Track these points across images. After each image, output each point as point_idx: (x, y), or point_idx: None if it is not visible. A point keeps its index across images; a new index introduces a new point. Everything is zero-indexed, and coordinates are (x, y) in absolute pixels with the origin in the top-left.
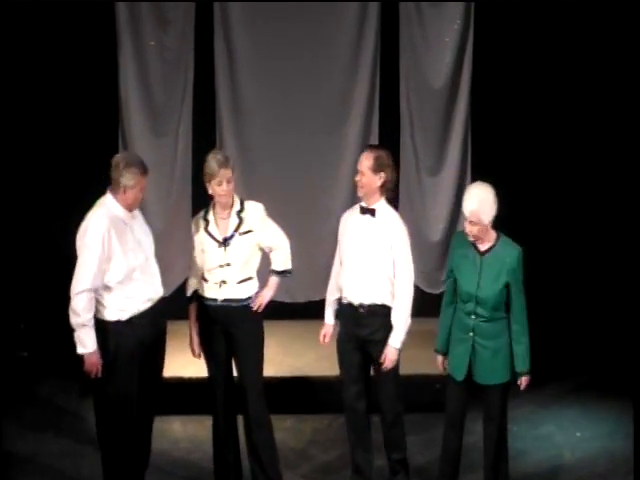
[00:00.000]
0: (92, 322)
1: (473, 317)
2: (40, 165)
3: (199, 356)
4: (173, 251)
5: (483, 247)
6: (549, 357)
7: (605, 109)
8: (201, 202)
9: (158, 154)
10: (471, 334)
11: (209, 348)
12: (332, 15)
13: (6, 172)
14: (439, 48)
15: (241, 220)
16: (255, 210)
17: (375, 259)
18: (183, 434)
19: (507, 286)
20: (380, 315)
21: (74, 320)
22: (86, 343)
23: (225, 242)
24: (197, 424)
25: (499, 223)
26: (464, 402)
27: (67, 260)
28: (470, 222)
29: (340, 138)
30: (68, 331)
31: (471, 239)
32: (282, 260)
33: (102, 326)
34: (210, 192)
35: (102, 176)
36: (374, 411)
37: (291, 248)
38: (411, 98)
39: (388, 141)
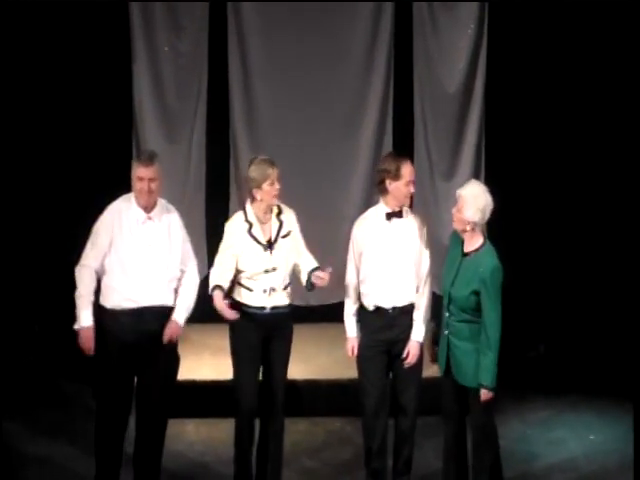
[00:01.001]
0: (90, 298)
1: (447, 314)
2: (55, 170)
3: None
4: None
5: (467, 249)
6: (565, 363)
7: (620, 114)
8: (214, 209)
9: (171, 161)
10: (446, 332)
11: (248, 355)
12: (346, 21)
13: (22, 177)
14: (453, 53)
15: (281, 223)
16: (291, 212)
17: (408, 261)
18: (196, 437)
19: (478, 294)
20: (409, 313)
21: (76, 292)
22: (80, 317)
23: (270, 245)
24: (211, 427)
25: (516, 226)
26: (455, 398)
27: None
28: (456, 208)
29: (354, 144)
30: None
31: (454, 227)
32: (312, 257)
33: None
34: (258, 197)
35: (115, 181)
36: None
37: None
38: (425, 103)
39: (402, 146)
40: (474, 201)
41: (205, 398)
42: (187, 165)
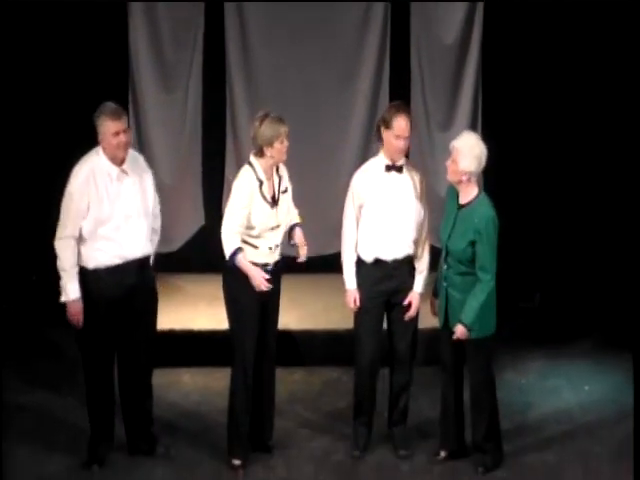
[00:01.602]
0: (75, 270)
1: (445, 267)
2: (50, 120)
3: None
4: (184, 205)
5: (462, 200)
6: (560, 313)
7: (610, 71)
8: (211, 157)
9: (168, 110)
10: (445, 284)
11: (248, 306)
12: None
13: (17, 126)
14: (450, 4)
15: (280, 178)
16: (284, 168)
17: (406, 212)
18: (193, 386)
19: (474, 245)
20: (409, 264)
21: (58, 265)
22: (67, 290)
23: (275, 202)
24: (207, 376)
25: (512, 175)
26: (453, 350)
27: None
28: (450, 159)
29: (351, 96)
30: None
31: (449, 179)
32: (297, 212)
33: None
34: (268, 154)
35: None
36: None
37: (301, 204)
38: (422, 54)
39: (399, 97)
40: (470, 151)
41: (201, 347)
42: (183, 115)
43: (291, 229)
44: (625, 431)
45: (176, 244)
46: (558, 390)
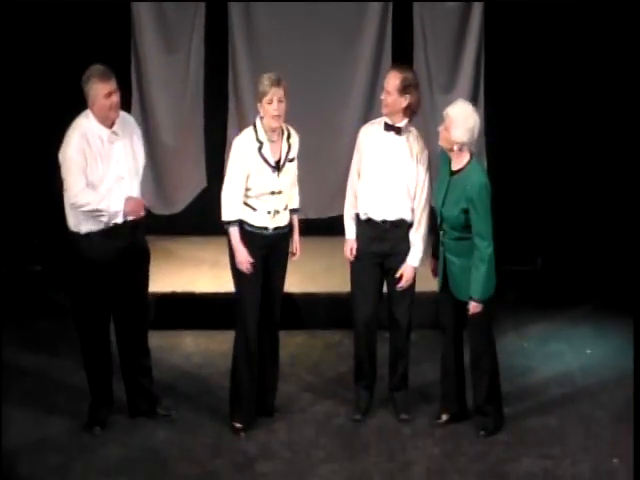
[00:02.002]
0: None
1: (441, 232)
2: (52, 82)
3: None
4: (186, 166)
5: (454, 167)
6: (562, 277)
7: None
8: (213, 118)
9: (170, 70)
10: (442, 248)
11: (251, 273)
12: None
13: (19, 87)
14: None
15: (290, 146)
16: (297, 138)
17: (399, 176)
18: (195, 349)
19: (467, 212)
20: (401, 228)
21: (97, 213)
22: (112, 214)
23: (278, 167)
24: (208, 339)
25: (514, 139)
26: (452, 313)
27: None
28: (443, 126)
29: (353, 56)
30: None
31: (440, 144)
32: (298, 199)
33: (67, 236)
34: (261, 113)
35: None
36: (380, 327)
37: (303, 166)
38: (424, 16)
39: (401, 59)
40: (464, 121)
41: (203, 310)
42: (185, 75)
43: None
44: (625, 394)
45: (178, 206)
46: (559, 354)
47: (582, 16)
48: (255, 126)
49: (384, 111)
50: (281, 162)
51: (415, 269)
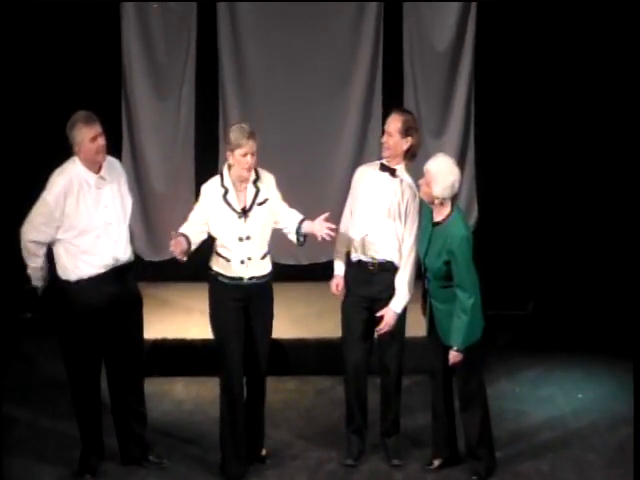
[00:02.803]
0: (40, 263)
1: (426, 280)
2: (43, 123)
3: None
4: (177, 213)
5: (436, 218)
6: (554, 321)
7: (602, 75)
8: (203, 165)
9: (161, 117)
10: (427, 294)
11: (230, 325)
12: None
13: (11, 131)
14: (443, 10)
15: (258, 189)
16: (269, 178)
17: (389, 217)
18: (186, 395)
19: (449, 264)
20: (389, 272)
21: (26, 247)
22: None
23: (245, 213)
24: (200, 385)
25: (506, 182)
26: (441, 357)
27: None
28: (423, 180)
29: (343, 101)
30: None
31: (421, 196)
32: (295, 211)
33: (57, 284)
34: (231, 162)
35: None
36: (371, 372)
37: (294, 209)
38: (415, 60)
39: (392, 103)
40: (443, 178)
41: (194, 357)
42: (176, 122)
43: (299, 225)
44: (618, 439)
45: (168, 253)
46: (552, 398)
47: (573, 47)
48: (222, 174)
49: (385, 154)
50: (247, 207)
51: (397, 314)
